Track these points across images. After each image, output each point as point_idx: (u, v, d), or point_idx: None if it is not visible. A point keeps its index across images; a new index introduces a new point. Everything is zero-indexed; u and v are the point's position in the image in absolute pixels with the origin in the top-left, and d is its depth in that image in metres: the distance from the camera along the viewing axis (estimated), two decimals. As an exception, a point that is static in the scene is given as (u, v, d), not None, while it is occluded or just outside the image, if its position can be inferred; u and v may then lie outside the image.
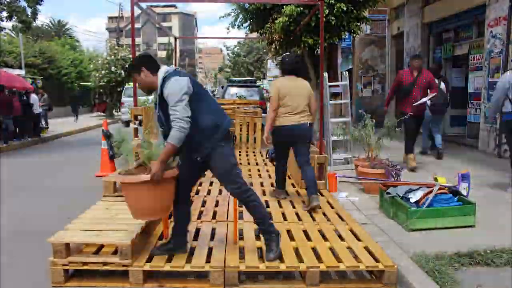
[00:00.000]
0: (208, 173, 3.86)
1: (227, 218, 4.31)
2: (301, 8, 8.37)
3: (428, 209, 4.36)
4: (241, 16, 10.30)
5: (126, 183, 3.21)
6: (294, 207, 4.74)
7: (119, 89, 24.89)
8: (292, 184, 5.80)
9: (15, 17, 13.67)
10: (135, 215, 3.35)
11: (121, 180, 3.28)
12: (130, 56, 22.90)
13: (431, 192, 4.54)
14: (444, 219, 4.35)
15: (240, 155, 8.47)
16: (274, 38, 9.67)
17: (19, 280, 3.61)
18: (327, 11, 8.20)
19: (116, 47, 26.09)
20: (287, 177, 5.53)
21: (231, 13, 10.45)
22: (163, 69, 3.31)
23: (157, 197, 3.23)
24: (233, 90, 15.23)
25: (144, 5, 6.82)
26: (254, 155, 8.41)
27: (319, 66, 6.50)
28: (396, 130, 6.81)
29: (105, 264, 3.27)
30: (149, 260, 3.33)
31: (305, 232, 3.93)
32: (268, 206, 4.76)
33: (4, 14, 13.52)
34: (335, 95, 10.08)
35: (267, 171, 6.73)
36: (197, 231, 3.96)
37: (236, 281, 3.17)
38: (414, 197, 4.61)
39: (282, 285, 3.30)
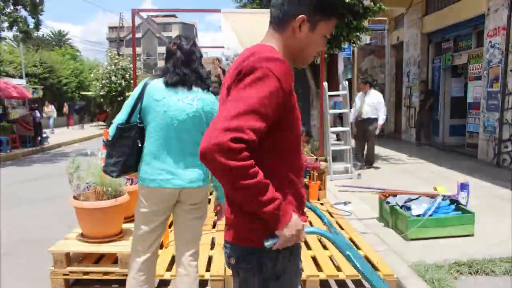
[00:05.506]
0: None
1: (227, 227, 4.31)
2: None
3: (427, 218, 4.36)
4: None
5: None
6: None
7: (119, 99, 24.97)
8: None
9: (16, 27, 13.75)
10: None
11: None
12: (131, 65, 23.04)
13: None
14: (443, 228, 4.35)
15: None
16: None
17: (19, 290, 3.61)
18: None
19: (117, 57, 26.19)
20: None
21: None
22: None
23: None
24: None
25: (144, 14, 6.89)
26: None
27: (319, 76, 6.53)
28: None
29: (105, 273, 3.27)
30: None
31: (304, 241, 3.93)
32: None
33: (5, 24, 13.59)
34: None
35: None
36: (197, 240, 3.96)
37: (236, 290, 3.17)
38: (417, 209, 4.59)
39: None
